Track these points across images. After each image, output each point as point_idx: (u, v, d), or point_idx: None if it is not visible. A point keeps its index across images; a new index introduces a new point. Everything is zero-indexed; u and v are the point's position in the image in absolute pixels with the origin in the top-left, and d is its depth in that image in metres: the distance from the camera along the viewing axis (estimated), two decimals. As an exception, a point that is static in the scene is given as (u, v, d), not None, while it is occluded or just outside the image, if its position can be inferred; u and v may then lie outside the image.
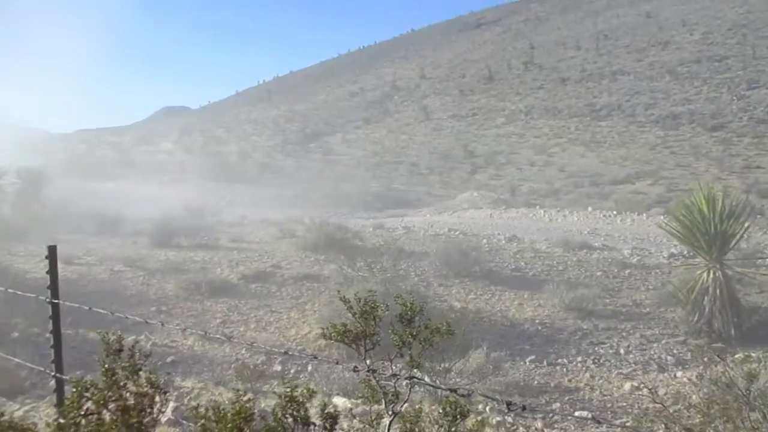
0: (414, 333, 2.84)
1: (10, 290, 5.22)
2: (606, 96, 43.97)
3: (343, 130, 50.25)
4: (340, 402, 7.59)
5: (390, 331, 2.99)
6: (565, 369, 9.17)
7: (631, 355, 9.57)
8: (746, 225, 10.58)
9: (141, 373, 2.26)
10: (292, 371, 9.12)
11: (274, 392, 6.45)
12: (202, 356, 9.58)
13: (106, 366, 2.47)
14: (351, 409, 6.40)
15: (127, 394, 2.17)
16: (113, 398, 2.20)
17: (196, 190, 30.51)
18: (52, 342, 4.42)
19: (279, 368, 9.18)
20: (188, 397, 7.60)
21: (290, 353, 3.40)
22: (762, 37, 49.98)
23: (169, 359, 9.25)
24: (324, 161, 42.90)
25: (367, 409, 4.03)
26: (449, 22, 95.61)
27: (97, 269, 13.95)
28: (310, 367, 9.17)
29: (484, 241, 17.26)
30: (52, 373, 4.44)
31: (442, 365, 8.42)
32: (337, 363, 3.33)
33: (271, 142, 50.17)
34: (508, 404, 2.23)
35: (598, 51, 53.96)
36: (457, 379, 8.15)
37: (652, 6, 67.94)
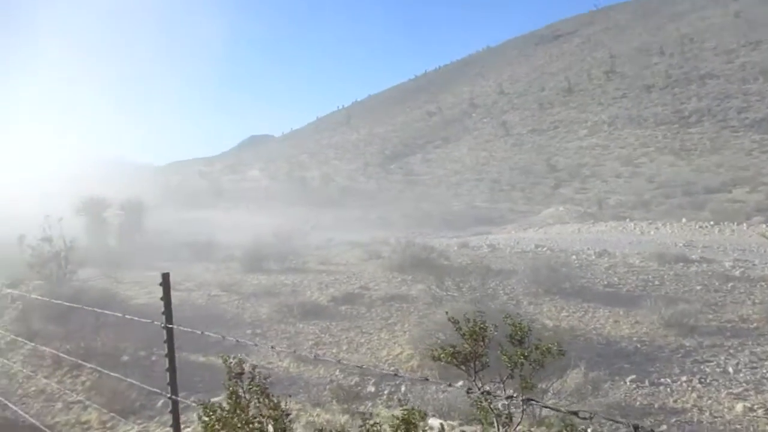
0: (525, 354, 2.83)
1: (127, 316, 5.55)
2: (695, 101, 42.15)
3: (423, 150, 50.48)
4: (436, 423, 7.58)
5: (500, 352, 2.99)
6: (669, 389, 8.76)
7: (740, 374, 9.03)
8: None
9: (268, 395, 2.36)
10: (385, 392, 9.17)
11: (377, 413, 6.51)
12: (298, 377, 9.79)
13: (231, 389, 2.60)
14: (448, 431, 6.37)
15: (261, 417, 2.28)
16: (246, 420, 2.31)
17: (283, 215, 31.40)
18: (167, 365, 4.67)
19: (373, 389, 9.26)
20: (288, 419, 7.78)
21: (399, 375, 3.44)
22: None
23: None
24: (405, 182, 43.19)
25: (469, 430, 4.03)
26: (525, 36, 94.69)
27: (196, 294, 14.58)
28: (403, 388, 9.20)
29: (573, 256, 16.83)
30: (168, 395, 4.69)
31: (540, 386, 8.26)
32: (450, 385, 3.34)
33: (352, 166, 51.03)
34: (636, 428, 2.11)
35: (683, 55, 51.91)
36: (555, 400, 7.95)
37: (740, 5, 64.82)
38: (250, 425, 2.46)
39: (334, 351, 10.97)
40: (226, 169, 60.17)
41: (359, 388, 9.24)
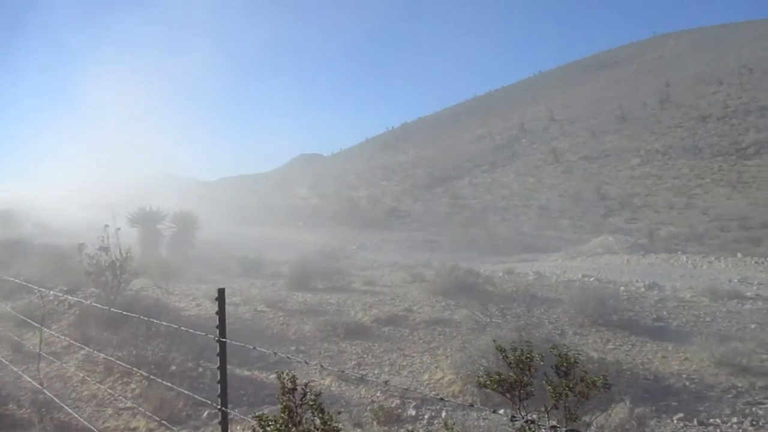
0: (570, 385, 2.88)
1: (182, 327, 5.75)
2: (753, 133, 40.99)
3: (471, 174, 50.40)
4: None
5: (545, 381, 3.04)
6: (718, 430, 8.52)
7: (795, 418, 8.72)
8: None
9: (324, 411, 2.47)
10: (426, 416, 9.17)
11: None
12: (339, 396, 9.87)
13: (284, 403, 2.72)
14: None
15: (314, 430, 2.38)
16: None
17: (329, 234, 31.78)
18: (218, 377, 4.84)
19: (413, 413, 9.26)
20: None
21: (443, 399, 3.48)
22: None
23: (309, 398, 9.62)
24: (451, 205, 43.13)
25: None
26: (578, 62, 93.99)
27: (242, 309, 14.88)
28: (444, 413, 9.18)
29: (622, 288, 16.52)
30: (218, 406, 4.85)
31: (583, 418, 8.15)
32: (494, 411, 3.40)
33: (399, 187, 51.28)
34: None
35: (742, 86, 50.62)
36: (599, 434, 7.82)
37: (805, 35, 63.02)
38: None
39: (376, 372, 11.03)
40: (275, 187, 61.22)
41: (400, 410, 9.26)
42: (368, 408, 9.28)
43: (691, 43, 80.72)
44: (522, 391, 3.00)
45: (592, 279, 18.41)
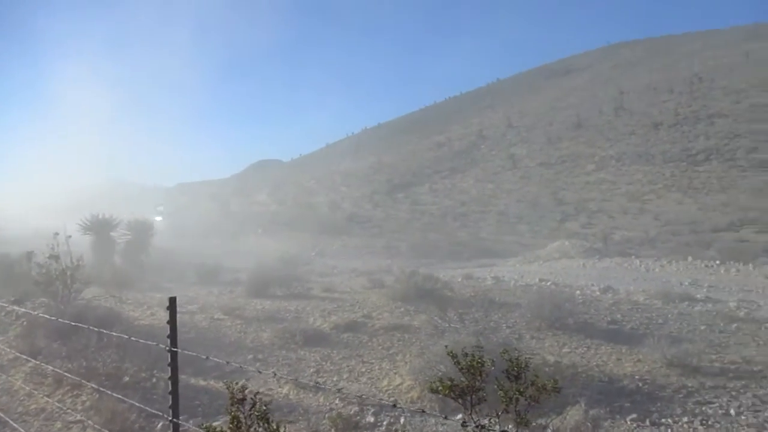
0: (521, 390, 2.89)
1: (132, 338, 5.60)
2: (703, 140, 42.31)
3: (430, 180, 50.71)
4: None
5: (496, 386, 3.05)
6: (670, 430, 8.69)
7: (743, 417, 8.96)
8: None
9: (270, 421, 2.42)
10: (384, 423, 9.13)
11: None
12: (297, 404, 9.76)
13: (232, 414, 2.66)
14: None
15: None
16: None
17: (289, 241, 31.51)
18: (170, 388, 4.73)
19: (372, 419, 9.22)
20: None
21: (397, 405, 3.47)
22: None
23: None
24: (411, 211, 43.30)
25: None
26: (536, 70, 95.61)
27: (199, 317, 14.62)
28: (402, 420, 9.16)
29: (578, 292, 16.81)
30: (169, 418, 4.73)
31: (538, 421, 8.23)
32: (445, 417, 3.39)
33: (359, 193, 51.26)
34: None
35: (692, 94, 52.24)
36: (555, 437, 7.91)
37: (751, 46, 65.37)
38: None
39: (334, 379, 10.96)
40: (233, 192, 60.53)
41: (358, 417, 9.21)
42: (326, 416, 9.21)
43: (643, 53, 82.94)
44: (474, 396, 3.00)
45: (549, 283, 18.67)
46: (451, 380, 3.07)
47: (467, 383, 3.05)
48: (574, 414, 8.36)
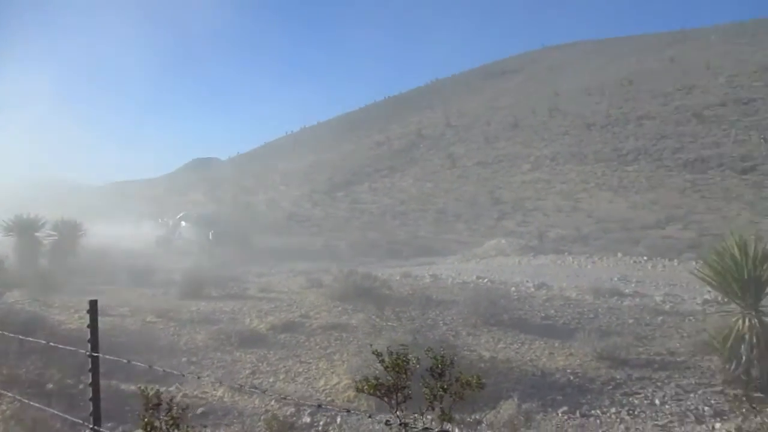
0: (445, 386, 2.89)
1: (51, 343, 5.36)
2: (632, 141, 43.90)
3: (370, 179, 50.78)
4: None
5: (421, 384, 3.04)
6: (598, 421, 8.98)
7: (666, 406, 9.34)
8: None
9: (181, 427, 2.34)
10: (321, 423, 9.08)
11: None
12: (232, 407, 9.59)
13: (146, 420, 2.56)
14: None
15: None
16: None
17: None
18: (90, 395, 4.54)
19: (308, 420, 9.15)
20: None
21: (323, 406, 3.41)
22: (789, 79, 49.80)
23: (199, 410, 9.29)
24: (351, 210, 43.26)
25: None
26: (474, 70, 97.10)
27: (130, 320, 14.17)
28: (339, 419, 9.12)
29: (513, 288, 17.15)
30: (90, 426, 4.54)
31: (473, 416, 8.34)
32: (370, 416, 3.36)
33: (298, 192, 50.86)
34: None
35: (622, 96, 54.12)
36: (489, 431, 8.03)
37: (676, 51, 68.26)
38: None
39: (270, 380, 10.82)
40: (169, 191, 59.04)
41: (294, 418, 9.12)
42: (262, 418, 9.07)
43: (576, 55, 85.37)
44: (400, 394, 2.98)
45: (485, 280, 18.98)
46: (377, 379, 3.05)
47: (393, 382, 3.03)
48: (507, 408, 8.52)
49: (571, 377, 10.54)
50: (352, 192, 48.23)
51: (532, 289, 17.11)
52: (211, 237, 30.13)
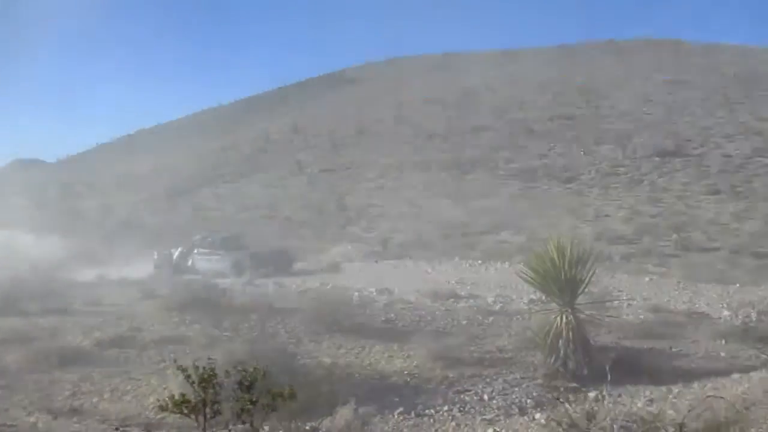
0: (254, 399, 2.77)
1: None
2: (470, 150, 46.39)
3: (214, 185, 49.17)
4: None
5: (232, 398, 2.89)
6: (432, 419, 9.29)
7: (494, 401, 9.88)
8: (591, 271, 11.35)
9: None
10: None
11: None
12: (47, 433, 8.74)
13: None
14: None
15: None
16: None
17: (51, 248, 28.47)
18: None
19: (135, 440, 8.57)
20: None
21: (120, 428, 3.14)
22: (604, 98, 55.47)
23: (7, 440, 8.37)
24: (193, 217, 41.53)
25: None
26: (322, 77, 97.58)
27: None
28: (169, 437, 8.63)
29: (356, 293, 17.35)
30: None
31: (309, 424, 8.26)
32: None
33: (135, 197, 47.96)
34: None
35: (462, 108, 57.15)
36: (325, 438, 8.00)
37: (511, 68, 73.43)
38: None
39: (94, 400, 10.00)
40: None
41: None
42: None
43: (420, 67, 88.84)
44: (209, 410, 2.80)
45: (329, 286, 19.04)
46: (183, 395, 2.85)
47: (201, 398, 2.85)
48: (344, 413, 8.53)
49: (408, 379, 10.83)
50: (195, 198, 46.39)
51: (374, 294, 17.43)
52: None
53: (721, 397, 6.62)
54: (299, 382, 9.51)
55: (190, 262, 25.94)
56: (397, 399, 9.95)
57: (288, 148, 56.43)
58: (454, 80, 72.20)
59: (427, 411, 9.54)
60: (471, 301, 16.57)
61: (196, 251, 26.33)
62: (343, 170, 47.51)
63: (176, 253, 26.42)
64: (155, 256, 26.68)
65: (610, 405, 9.26)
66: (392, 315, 14.79)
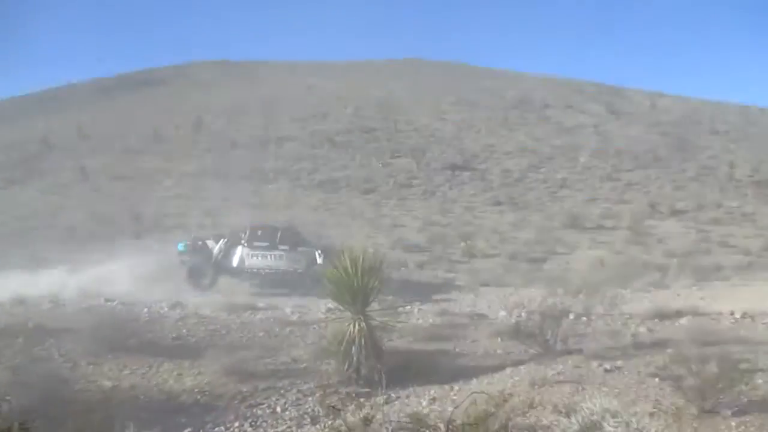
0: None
1: None
2: (272, 161, 46.14)
3: (-19, 192, 43.38)
4: None
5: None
6: (222, 437, 8.92)
7: (287, 412, 9.77)
8: (376, 280, 11.62)
9: None
10: None
11: None
12: None
13: None
14: None
15: None
16: None
17: None
18: None
19: None
20: None
21: None
22: (402, 113, 58.53)
23: None
24: (-47, 228, 36.18)
25: None
26: (112, 78, 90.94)
27: None
28: None
29: (145, 309, 16.26)
30: None
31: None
32: None
33: None
34: None
35: (264, 118, 56.68)
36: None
37: (313, 80, 74.48)
38: None
39: None
40: None
41: None
42: None
43: (221, 73, 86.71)
44: None
45: (115, 302, 17.64)
46: None
47: None
48: (121, 441, 7.87)
49: (199, 397, 10.33)
50: (-44, 207, 40.51)
51: (166, 309, 16.46)
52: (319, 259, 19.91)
53: (483, 392, 7.15)
54: (74, 411, 8.65)
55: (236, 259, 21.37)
56: (184, 419, 9.42)
57: (73, 152, 51.63)
58: (255, 89, 71.50)
59: (216, 429, 9.15)
60: (269, 312, 16.33)
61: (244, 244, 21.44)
62: (138, 178, 44.59)
63: (217, 246, 21.79)
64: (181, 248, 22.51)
65: (398, 406, 9.64)
66: (184, 330, 14.07)
